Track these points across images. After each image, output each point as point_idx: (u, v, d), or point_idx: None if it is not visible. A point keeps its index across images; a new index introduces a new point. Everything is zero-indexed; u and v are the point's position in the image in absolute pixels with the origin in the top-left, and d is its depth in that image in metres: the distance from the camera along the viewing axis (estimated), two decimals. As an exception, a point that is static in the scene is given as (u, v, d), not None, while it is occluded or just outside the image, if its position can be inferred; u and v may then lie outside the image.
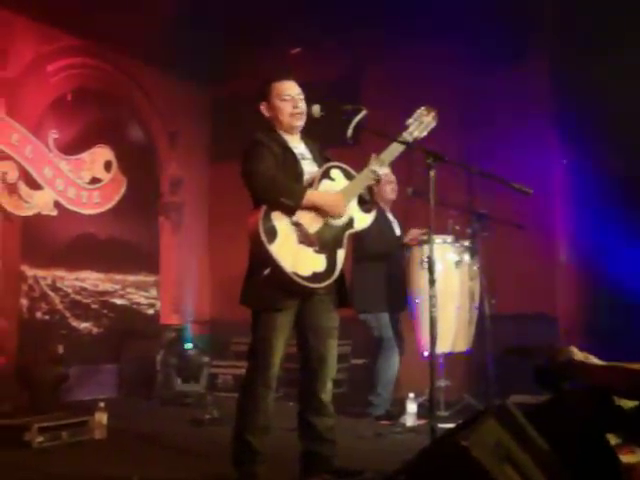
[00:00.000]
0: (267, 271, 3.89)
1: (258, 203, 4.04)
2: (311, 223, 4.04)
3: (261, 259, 3.92)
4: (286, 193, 4.00)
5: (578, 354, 3.31)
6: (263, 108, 4.31)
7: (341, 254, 4.11)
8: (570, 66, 7.68)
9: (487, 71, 7.87)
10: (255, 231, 3.90)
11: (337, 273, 4.07)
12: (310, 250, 4.00)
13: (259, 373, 4.12)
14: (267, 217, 3.94)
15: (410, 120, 4.33)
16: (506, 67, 7.87)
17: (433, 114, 4.34)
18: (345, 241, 4.14)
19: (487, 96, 7.95)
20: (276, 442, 4.23)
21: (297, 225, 3.99)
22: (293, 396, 4.49)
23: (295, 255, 3.93)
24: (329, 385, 4.25)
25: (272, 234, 3.91)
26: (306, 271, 3.94)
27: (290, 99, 4.26)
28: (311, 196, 4.04)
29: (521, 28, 7.83)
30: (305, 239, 3.99)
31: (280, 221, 3.96)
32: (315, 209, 4.05)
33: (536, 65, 7.95)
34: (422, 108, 4.37)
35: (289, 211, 3.99)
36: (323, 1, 8.01)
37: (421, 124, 4.31)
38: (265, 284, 3.95)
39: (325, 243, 4.05)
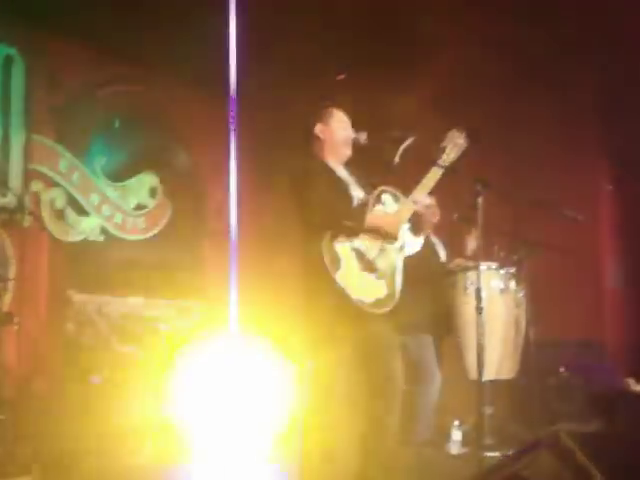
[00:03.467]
0: (332, 299, 3.92)
1: (315, 230, 4.05)
2: (369, 249, 4.06)
3: (325, 287, 3.94)
4: (347, 217, 4.03)
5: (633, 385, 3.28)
6: (319, 131, 4.34)
7: (399, 278, 4.13)
8: (617, 87, 7.62)
9: (530, 94, 7.85)
10: (318, 259, 3.92)
11: (397, 297, 4.09)
12: (372, 276, 4.03)
13: None
14: (330, 245, 3.97)
15: (445, 142, 4.35)
16: (549, 89, 7.83)
17: (464, 135, 4.37)
18: (401, 265, 4.16)
19: (532, 119, 7.92)
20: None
21: (357, 252, 4.02)
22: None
23: (358, 281, 3.97)
24: (396, 406, 4.23)
25: (336, 262, 3.94)
26: (370, 297, 3.97)
27: (347, 125, 4.31)
28: (370, 218, 4.07)
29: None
30: (366, 265, 4.02)
31: (342, 248, 4.00)
32: (372, 233, 4.07)
33: (581, 87, 7.89)
34: (454, 130, 4.39)
35: (351, 236, 4.01)
36: (366, 29, 8.02)
37: (455, 146, 4.34)
38: (330, 311, 3.96)
39: (384, 269, 4.07)
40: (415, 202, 4.17)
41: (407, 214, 4.18)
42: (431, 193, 4.31)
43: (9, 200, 7.28)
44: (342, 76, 9.16)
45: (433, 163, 4.22)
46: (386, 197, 4.25)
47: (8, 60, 7.56)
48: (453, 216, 6.41)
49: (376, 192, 4.25)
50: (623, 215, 8.25)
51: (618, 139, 7.80)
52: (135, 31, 7.67)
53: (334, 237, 4.00)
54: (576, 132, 7.87)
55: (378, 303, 4.02)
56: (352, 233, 4.02)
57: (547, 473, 2.52)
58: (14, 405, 5.75)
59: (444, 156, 4.26)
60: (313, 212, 4.09)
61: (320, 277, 3.96)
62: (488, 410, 6.40)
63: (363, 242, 4.05)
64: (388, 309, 4.07)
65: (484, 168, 4.33)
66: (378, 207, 4.20)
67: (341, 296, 3.91)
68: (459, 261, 6.57)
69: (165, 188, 9.02)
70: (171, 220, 9.06)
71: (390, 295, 4.08)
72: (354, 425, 4.31)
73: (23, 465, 5.18)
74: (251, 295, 9.95)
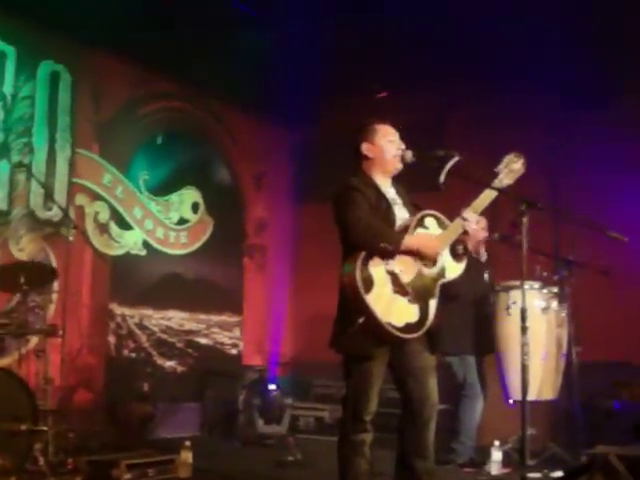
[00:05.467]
0: (362, 320, 3.90)
1: (351, 249, 4.05)
2: (405, 272, 4.03)
3: (356, 307, 3.93)
4: (385, 238, 4.01)
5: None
6: (366, 148, 4.32)
7: (433, 304, 4.09)
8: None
9: (578, 113, 7.82)
10: (352, 279, 3.91)
11: (429, 323, 4.06)
12: (404, 300, 4.00)
13: (356, 420, 4.14)
14: (364, 265, 3.94)
15: (500, 167, 4.29)
16: (599, 106, 7.78)
17: (522, 161, 4.30)
18: (437, 291, 4.12)
19: (577, 137, 7.89)
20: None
21: (392, 274, 4.00)
22: (382, 441, 4.47)
23: (389, 305, 3.93)
24: (432, 426, 4.22)
25: (369, 283, 3.91)
26: (399, 322, 3.95)
27: (396, 141, 4.30)
28: (409, 240, 4.05)
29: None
30: (399, 289, 3.99)
31: (376, 269, 3.96)
32: (410, 256, 4.04)
33: (632, 102, 7.82)
34: (511, 155, 4.33)
35: (387, 257, 3.99)
36: (408, 47, 8.03)
37: (510, 172, 4.27)
38: (359, 332, 3.95)
39: (418, 293, 4.04)
40: (465, 219, 4.13)
41: (453, 235, 4.14)
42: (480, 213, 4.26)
43: (54, 214, 7.39)
44: (384, 93, 9.19)
45: (486, 186, 4.17)
46: (430, 221, 4.21)
47: (55, 76, 7.68)
48: (494, 236, 6.39)
49: (419, 215, 4.21)
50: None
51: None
52: (179, 49, 7.77)
53: (369, 258, 3.99)
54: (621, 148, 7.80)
55: (408, 328, 3.98)
56: (388, 255, 4.00)
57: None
58: (56, 416, 5.79)
59: (496, 181, 4.21)
60: (350, 230, 4.10)
61: (352, 296, 3.96)
62: (529, 431, 6.36)
63: (398, 265, 4.03)
64: (417, 335, 4.03)
65: (525, 187, 4.26)
66: (420, 230, 4.17)
67: (371, 317, 3.89)
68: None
69: (207, 204, 9.09)
70: (212, 235, 9.14)
71: (421, 321, 4.03)
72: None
73: (65, 476, 5.22)
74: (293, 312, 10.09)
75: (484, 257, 6.51)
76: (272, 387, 8.25)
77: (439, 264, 4.14)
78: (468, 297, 6.45)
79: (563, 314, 6.38)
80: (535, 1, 7.08)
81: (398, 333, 3.94)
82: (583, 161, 7.90)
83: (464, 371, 6.48)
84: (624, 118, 7.76)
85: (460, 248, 4.24)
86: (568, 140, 7.95)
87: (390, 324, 3.90)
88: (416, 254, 4.06)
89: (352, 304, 3.96)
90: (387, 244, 3.98)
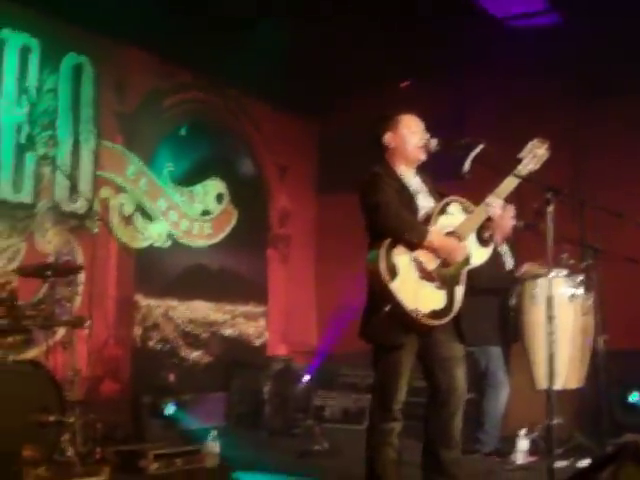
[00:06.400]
0: (388, 308, 3.90)
1: (377, 237, 4.05)
2: (430, 260, 4.03)
3: (382, 296, 3.93)
4: (410, 230, 4.01)
5: None
6: (388, 139, 4.31)
7: (460, 291, 4.09)
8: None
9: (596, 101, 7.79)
10: (376, 268, 3.91)
11: (456, 309, 4.06)
12: (431, 286, 4.00)
13: (384, 409, 4.15)
14: (389, 254, 3.95)
15: (523, 153, 4.27)
16: (619, 98, 7.75)
17: (546, 146, 4.28)
18: (463, 277, 4.12)
19: (601, 123, 7.85)
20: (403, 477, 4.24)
21: (417, 262, 3.99)
22: (410, 430, 4.47)
23: (416, 292, 3.94)
24: (459, 416, 4.21)
25: (393, 271, 3.92)
26: (426, 308, 3.94)
27: (419, 132, 4.29)
28: (433, 238, 4.03)
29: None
30: (425, 275, 3.99)
31: (401, 258, 3.97)
32: (432, 252, 4.04)
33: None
34: (535, 140, 4.31)
35: (411, 247, 3.99)
36: (430, 36, 8.01)
37: (534, 157, 4.25)
38: (386, 320, 3.95)
39: (444, 280, 4.04)
40: (488, 205, 4.12)
41: (478, 220, 4.13)
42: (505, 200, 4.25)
43: (79, 206, 7.43)
44: (407, 83, 9.15)
45: (508, 172, 4.16)
46: (454, 207, 4.20)
47: (78, 68, 7.71)
48: (519, 224, 6.37)
49: (442, 203, 4.20)
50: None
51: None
52: (203, 40, 7.77)
53: (393, 246, 3.99)
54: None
55: (434, 314, 3.98)
56: (412, 246, 4.00)
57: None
58: (84, 407, 5.83)
59: (520, 167, 4.19)
60: (378, 215, 4.10)
61: (377, 285, 3.96)
62: (555, 420, 6.32)
63: (423, 253, 4.02)
64: (444, 321, 4.03)
65: (550, 174, 4.23)
66: (443, 218, 4.16)
67: (397, 305, 3.89)
68: (527, 267, 6.49)
69: (231, 194, 9.11)
70: (236, 226, 9.15)
71: (448, 307, 4.03)
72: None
73: (93, 466, 5.25)
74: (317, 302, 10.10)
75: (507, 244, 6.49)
76: (306, 378, 8.27)
77: (464, 251, 4.14)
78: (491, 287, 6.39)
79: (589, 302, 6.34)
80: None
81: (425, 320, 3.94)
82: (607, 144, 7.89)
83: (486, 361, 6.44)
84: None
85: (486, 234, 4.23)
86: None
87: (417, 310, 3.90)
88: (437, 253, 4.05)
89: (378, 292, 3.97)
90: (412, 237, 3.99)
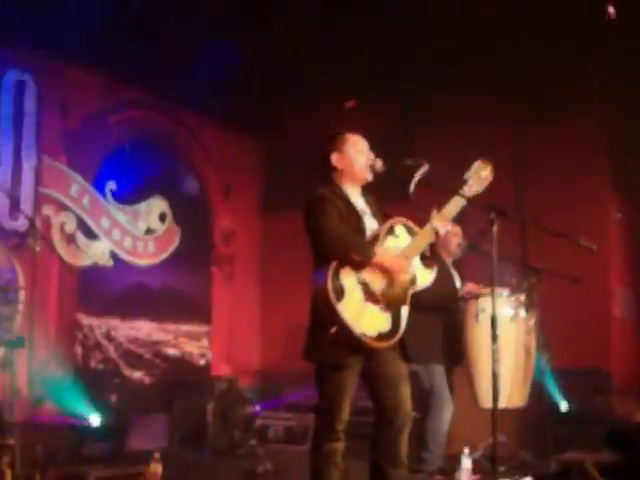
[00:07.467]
0: (334, 329, 3.90)
1: (322, 259, 4.05)
2: (376, 281, 4.03)
3: (327, 317, 3.92)
4: (356, 250, 4.01)
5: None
6: (335, 159, 4.30)
7: (405, 312, 4.10)
8: (627, 117, 7.65)
9: (543, 122, 7.91)
10: (323, 289, 3.90)
11: (402, 331, 4.07)
12: (376, 308, 4.01)
13: (328, 430, 4.12)
14: (336, 275, 3.94)
15: (469, 174, 4.31)
16: (562, 117, 7.88)
17: (490, 168, 4.32)
18: (408, 299, 4.13)
19: (542, 146, 7.98)
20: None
21: (363, 284, 4.00)
22: (354, 451, 4.46)
23: (361, 314, 3.93)
24: (405, 434, 4.21)
25: (340, 292, 3.91)
26: (372, 330, 3.95)
27: (365, 151, 4.30)
28: (380, 258, 4.05)
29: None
30: (370, 297, 4.00)
31: (347, 279, 3.96)
32: (380, 271, 4.05)
33: (593, 116, 7.92)
34: (479, 162, 4.34)
35: (357, 268, 4.00)
36: (372, 54, 8.07)
37: (479, 178, 4.29)
38: (331, 342, 3.94)
39: (389, 301, 4.04)
40: (434, 227, 4.14)
41: (424, 243, 4.15)
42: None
43: (20, 224, 7.32)
44: (351, 103, 9.19)
45: (454, 193, 4.19)
46: (399, 229, 4.22)
47: (21, 85, 7.61)
48: (463, 243, 6.41)
49: (389, 223, 4.22)
50: (632, 244, 8.27)
51: (626, 169, 7.83)
52: (146, 58, 7.74)
53: (340, 266, 3.99)
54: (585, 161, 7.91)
55: (380, 337, 3.98)
56: (359, 265, 4.01)
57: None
58: (24, 429, 5.72)
59: (466, 188, 4.22)
60: (321, 240, 4.10)
61: (323, 305, 3.95)
62: (500, 437, 6.36)
63: (369, 274, 4.03)
64: (390, 343, 4.04)
65: (492, 195, 4.28)
66: (389, 239, 4.18)
67: (343, 326, 3.89)
68: (470, 286, 6.53)
69: (174, 214, 9.06)
70: (180, 245, 9.10)
71: (394, 329, 4.03)
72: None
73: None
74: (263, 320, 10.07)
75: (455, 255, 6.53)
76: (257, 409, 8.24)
77: (410, 272, 4.15)
78: (437, 305, 6.41)
79: (531, 322, 6.40)
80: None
81: (371, 342, 3.94)
82: (548, 165, 8.02)
83: (430, 380, 6.42)
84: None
85: (430, 255, 4.25)
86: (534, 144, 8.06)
87: (363, 333, 3.90)
88: (385, 270, 4.06)
89: (324, 313, 3.96)
90: (359, 256, 3.99)
